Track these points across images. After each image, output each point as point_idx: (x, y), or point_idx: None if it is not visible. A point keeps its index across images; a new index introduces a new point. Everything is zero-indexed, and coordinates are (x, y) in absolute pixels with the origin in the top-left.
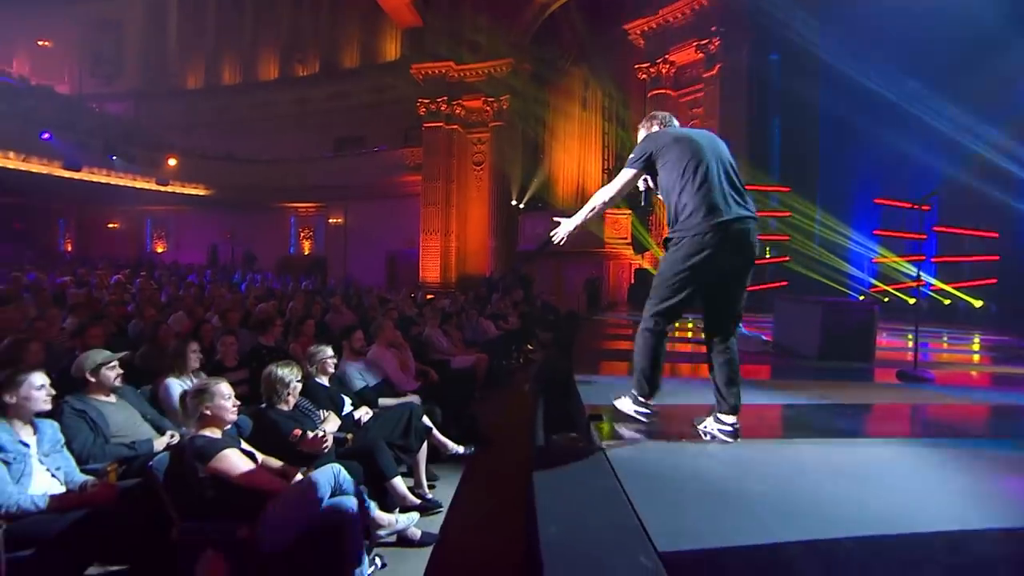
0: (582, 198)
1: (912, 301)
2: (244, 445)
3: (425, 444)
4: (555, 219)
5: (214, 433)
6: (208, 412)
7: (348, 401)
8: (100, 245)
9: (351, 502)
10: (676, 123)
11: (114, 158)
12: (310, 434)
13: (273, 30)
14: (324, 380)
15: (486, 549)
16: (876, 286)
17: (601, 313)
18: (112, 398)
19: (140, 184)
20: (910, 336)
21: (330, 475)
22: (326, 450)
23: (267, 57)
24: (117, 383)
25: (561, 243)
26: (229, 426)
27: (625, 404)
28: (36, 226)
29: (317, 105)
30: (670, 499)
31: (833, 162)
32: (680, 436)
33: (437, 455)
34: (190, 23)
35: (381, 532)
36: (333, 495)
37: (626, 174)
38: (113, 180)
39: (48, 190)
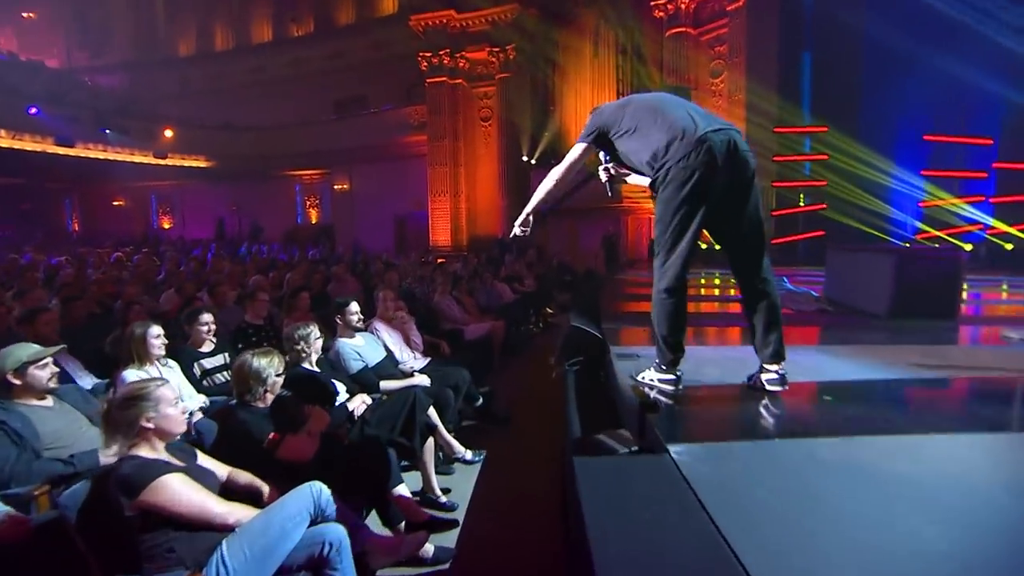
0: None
1: (968, 247)
2: (202, 459)
3: (431, 439)
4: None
5: (153, 452)
6: (149, 425)
7: (342, 388)
8: (107, 224)
9: (335, 532)
10: None
11: (107, 132)
12: (291, 437)
13: None
14: (312, 365)
15: (514, 564)
16: (923, 231)
17: (621, 271)
18: (48, 401)
19: (138, 158)
20: (1004, 287)
21: (307, 498)
22: (310, 457)
23: (260, 19)
24: (52, 384)
25: (525, 234)
26: (177, 438)
27: (649, 375)
28: (43, 207)
29: (314, 66)
30: (754, 512)
31: (876, 95)
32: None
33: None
34: None
35: (381, 564)
36: (313, 523)
37: (575, 150)
38: (109, 155)
39: (46, 168)
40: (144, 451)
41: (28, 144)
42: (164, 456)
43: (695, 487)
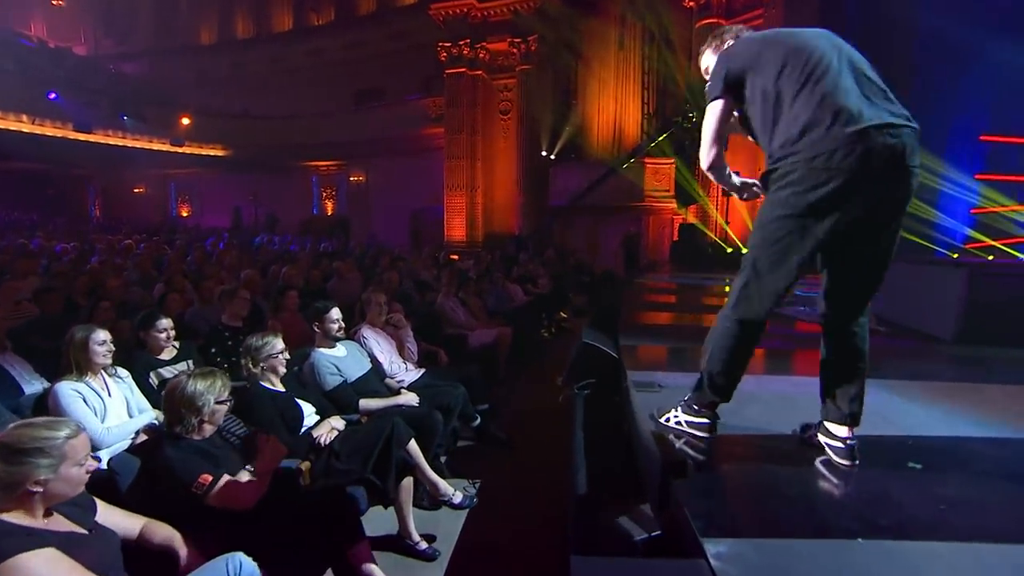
0: (619, 147)
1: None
2: (104, 512)
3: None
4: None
5: (26, 517)
6: (37, 489)
7: (310, 410)
8: (128, 211)
9: None
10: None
11: (125, 118)
12: (226, 479)
13: None
14: (273, 384)
15: None
16: (975, 240)
17: (641, 274)
18: None
19: (156, 146)
20: None
21: (221, 573)
22: (252, 503)
23: (280, 8)
24: None
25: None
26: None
27: (677, 416)
28: (66, 193)
29: (334, 56)
30: None
31: (926, 91)
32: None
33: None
34: None
35: None
36: None
37: (713, 110)
38: (127, 142)
39: (67, 155)
40: (13, 515)
41: (48, 130)
42: (40, 522)
43: None
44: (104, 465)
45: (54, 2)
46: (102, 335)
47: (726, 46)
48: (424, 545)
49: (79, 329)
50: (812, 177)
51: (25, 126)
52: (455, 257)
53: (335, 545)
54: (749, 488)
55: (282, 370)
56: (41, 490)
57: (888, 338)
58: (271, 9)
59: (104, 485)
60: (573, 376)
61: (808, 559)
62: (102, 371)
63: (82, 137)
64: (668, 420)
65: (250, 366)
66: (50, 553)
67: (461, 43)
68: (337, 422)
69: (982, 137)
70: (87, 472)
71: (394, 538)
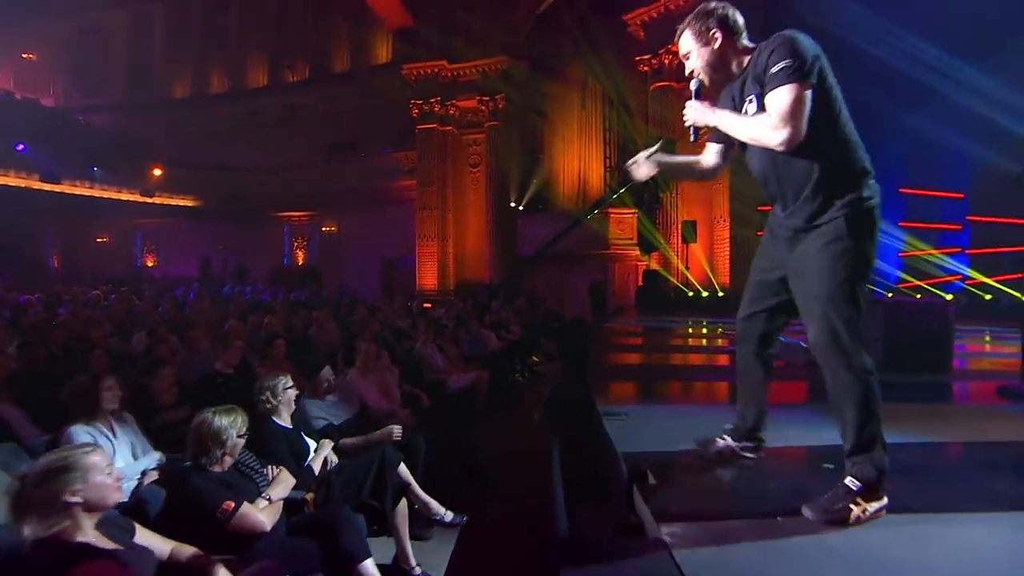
0: (584, 198)
1: (949, 297)
2: (140, 535)
3: (405, 501)
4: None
5: (78, 533)
6: (76, 499)
7: (313, 445)
8: (89, 260)
9: None
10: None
11: (95, 169)
12: (245, 505)
13: (260, 35)
14: (285, 419)
15: None
16: (905, 281)
17: (608, 319)
18: None
19: (125, 196)
20: (987, 338)
21: None
22: (268, 528)
23: (255, 63)
24: None
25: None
26: (111, 508)
27: (850, 510)
28: (21, 240)
29: (308, 111)
30: None
31: None
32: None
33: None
34: (175, 31)
35: None
36: None
37: (803, 99)
38: (96, 192)
39: (30, 204)
40: (68, 533)
41: (12, 180)
42: (92, 537)
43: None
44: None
45: (24, 55)
46: (109, 380)
47: (734, 23)
48: (419, 571)
49: (88, 376)
50: (872, 222)
51: None
52: (428, 306)
53: (342, 563)
54: (695, 487)
55: (293, 406)
56: (79, 500)
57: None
58: (246, 64)
59: (134, 513)
60: (549, 411)
61: (739, 533)
62: (110, 415)
63: (47, 187)
64: (856, 519)
65: (271, 399)
66: (107, 565)
67: (432, 100)
68: (326, 449)
69: (901, 189)
70: (116, 480)
71: (391, 566)
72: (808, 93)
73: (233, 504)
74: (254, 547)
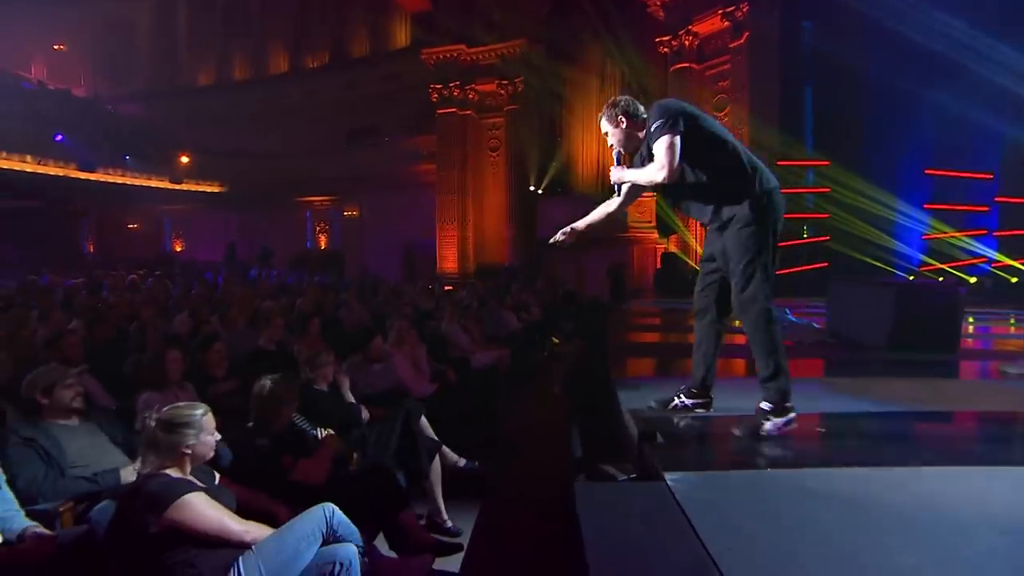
0: (603, 182)
1: (972, 280)
2: (219, 480)
3: (439, 459)
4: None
5: (179, 473)
6: (187, 451)
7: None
8: (121, 246)
9: (346, 553)
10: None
11: (127, 157)
12: (304, 461)
13: (281, 22)
14: (322, 387)
15: None
16: (928, 264)
17: (626, 302)
18: (74, 420)
19: (155, 183)
20: (1012, 321)
21: (319, 518)
22: (322, 481)
23: (276, 50)
24: (76, 403)
25: (564, 244)
26: (211, 453)
27: (771, 423)
28: (58, 229)
29: (328, 96)
30: (746, 539)
31: (877, 130)
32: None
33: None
34: (199, 20)
35: None
36: (325, 543)
37: (674, 145)
38: (128, 180)
39: (67, 192)
40: (172, 471)
41: (52, 169)
42: (189, 477)
43: (689, 514)
44: None
45: (56, 47)
46: (174, 354)
47: (633, 112)
48: (450, 523)
49: (155, 350)
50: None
51: (29, 166)
52: (450, 288)
53: (384, 511)
54: (700, 444)
55: (330, 377)
56: (191, 452)
57: (835, 348)
58: (267, 51)
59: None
60: (568, 383)
61: (734, 483)
62: (174, 384)
63: (83, 175)
64: (768, 432)
65: (308, 372)
66: (204, 496)
67: (452, 85)
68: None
69: (927, 171)
70: (215, 440)
71: (424, 517)
72: (677, 139)
73: (292, 458)
74: (307, 497)
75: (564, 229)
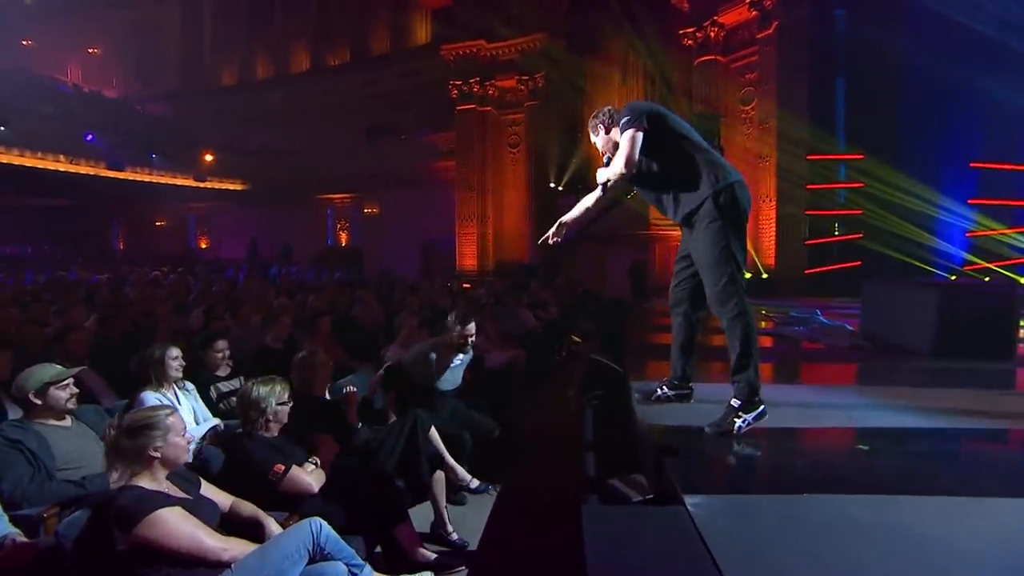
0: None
1: (1022, 280)
2: (205, 488)
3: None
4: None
5: (153, 483)
6: (156, 454)
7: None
8: (150, 243)
9: (336, 572)
10: None
11: (154, 156)
12: (295, 469)
13: (303, 22)
14: (319, 391)
15: None
16: (972, 263)
17: (648, 301)
18: (66, 421)
19: (180, 181)
20: None
21: (306, 534)
22: (315, 490)
23: (298, 49)
24: (70, 404)
25: (556, 242)
26: (180, 467)
27: (741, 418)
28: (90, 227)
29: (349, 94)
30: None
31: (916, 122)
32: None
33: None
34: (223, 21)
35: None
36: (312, 561)
37: (635, 138)
38: (155, 178)
39: (97, 191)
40: (145, 481)
41: (83, 168)
42: (164, 487)
43: (711, 545)
44: None
45: (90, 51)
46: (175, 351)
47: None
48: (456, 536)
49: (156, 347)
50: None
51: (62, 165)
52: (467, 286)
53: (383, 526)
54: (725, 461)
55: (327, 380)
56: (159, 456)
57: (872, 352)
58: (289, 50)
59: (199, 470)
60: (583, 388)
61: (764, 509)
62: (174, 383)
63: (112, 174)
64: (739, 429)
65: (302, 374)
66: (180, 510)
67: (471, 81)
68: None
69: (972, 164)
70: (187, 442)
71: (428, 532)
72: (639, 135)
73: (283, 467)
74: (302, 506)
75: (555, 226)
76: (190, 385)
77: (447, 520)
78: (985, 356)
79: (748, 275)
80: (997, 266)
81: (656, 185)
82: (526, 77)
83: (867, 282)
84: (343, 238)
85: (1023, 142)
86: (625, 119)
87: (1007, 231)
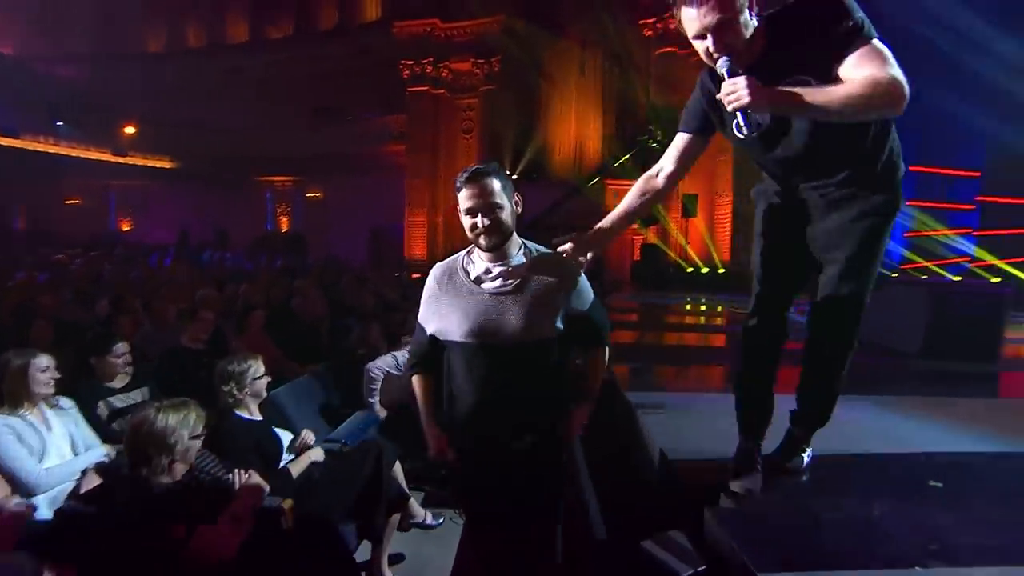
0: (580, 167)
1: (957, 278)
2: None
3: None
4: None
5: None
6: None
7: (285, 440)
8: (60, 223)
9: None
10: None
11: (60, 124)
12: (201, 528)
13: None
14: (253, 411)
15: None
16: (911, 261)
17: (605, 296)
18: None
19: (94, 155)
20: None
21: None
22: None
23: (235, 18)
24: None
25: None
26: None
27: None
28: None
29: (292, 70)
30: None
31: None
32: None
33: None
34: None
35: None
36: None
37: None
38: (61, 149)
39: None
40: None
41: None
42: None
43: None
44: (47, 513)
45: None
46: (44, 360)
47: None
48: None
49: (15, 354)
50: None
51: None
52: (418, 276)
53: None
54: (786, 514)
55: (264, 395)
56: None
57: (858, 353)
58: (225, 18)
59: (50, 540)
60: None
61: None
62: (42, 402)
63: (5, 141)
64: (805, 466)
65: (235, 391)
66: None
67: (424, 61)
68: (317, 454)
69: (911, 167)
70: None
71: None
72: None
73: (184, 528)
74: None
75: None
76: (67, 402)
77: (384, 567)
78: (971, 357)
79: (705, 270)
80: (933, 264)
81: (827, 138)
82: (482, 60)
83: None
84: (284, 223)
85: (958, 148)
86: (855, 22)
87: (944, 231)
